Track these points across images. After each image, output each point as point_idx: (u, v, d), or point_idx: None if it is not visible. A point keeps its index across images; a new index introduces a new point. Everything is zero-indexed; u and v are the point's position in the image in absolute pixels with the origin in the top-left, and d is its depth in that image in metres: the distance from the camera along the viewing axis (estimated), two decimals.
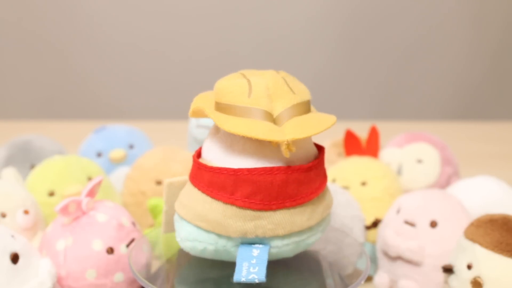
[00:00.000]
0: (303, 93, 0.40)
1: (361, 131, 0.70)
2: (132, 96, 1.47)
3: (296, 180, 0.38)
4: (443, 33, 1.45)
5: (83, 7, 1.40)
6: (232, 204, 0.38)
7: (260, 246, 0.39)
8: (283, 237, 0.39)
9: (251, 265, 0.38)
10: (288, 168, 0.38)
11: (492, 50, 1.48)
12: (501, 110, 1.52)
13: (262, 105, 0.38)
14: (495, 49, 1.48)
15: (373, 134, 0.66)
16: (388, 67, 1.47)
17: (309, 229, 0.41)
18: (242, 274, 0.37)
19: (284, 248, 0.40)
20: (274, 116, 0.39)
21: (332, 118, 0.40)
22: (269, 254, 0.39)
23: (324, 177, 0.41)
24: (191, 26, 1.41)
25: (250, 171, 0.38)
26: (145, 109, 1.46)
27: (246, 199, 0.38)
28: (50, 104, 1.47)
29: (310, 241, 0.42)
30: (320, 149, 0.43)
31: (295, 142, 0.38)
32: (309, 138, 0.41)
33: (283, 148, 0.36)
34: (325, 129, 0.38)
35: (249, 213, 0.38)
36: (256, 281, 0.37)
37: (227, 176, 0.38)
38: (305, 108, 0.40)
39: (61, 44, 1.42)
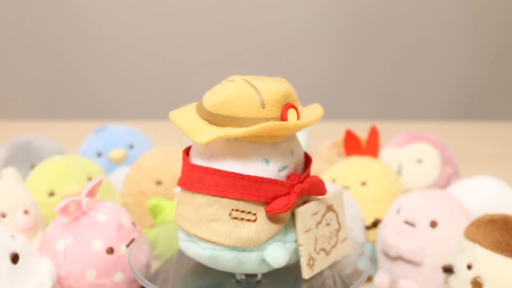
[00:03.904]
0: (213, 104, 0.39)
1: (361, 131, 0.70)
2: (132, 96, 1.46)
3: (183, 164, 0.41)
4: (443, 33, 1.45)
5: (83, 7, 1.40)
6: None
7: None
8: None
9: None
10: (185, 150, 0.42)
11: (492, 50, 1.48)
12: (501, 110, 1.52)
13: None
14: (495, 49, 1.48)
15: (373, 134, 0.66)
16: (388, 67, 1.47)
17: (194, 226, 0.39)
18: None
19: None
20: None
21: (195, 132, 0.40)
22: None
23: (210, 187, 0.38)
24: (191, 26, 1.41)
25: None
26: (145, 109, 1.46)
27: None
28: (50, 104, 1.47)
29: (197, 250, 0.39)
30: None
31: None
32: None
33: None
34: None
35: None
36: None
37: None
38: (204, 113, 0.40)
39: (61, 44, 1.42)
